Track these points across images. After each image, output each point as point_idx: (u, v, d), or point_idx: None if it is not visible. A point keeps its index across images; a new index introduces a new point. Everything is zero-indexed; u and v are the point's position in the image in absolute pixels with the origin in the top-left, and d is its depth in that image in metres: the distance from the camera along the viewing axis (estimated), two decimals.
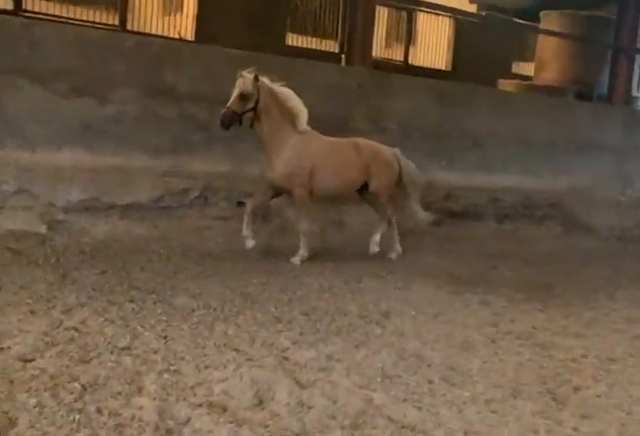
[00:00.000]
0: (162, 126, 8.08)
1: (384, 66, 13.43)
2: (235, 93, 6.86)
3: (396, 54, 16.02)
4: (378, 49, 14.51)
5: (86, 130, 7.58)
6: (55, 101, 7.50)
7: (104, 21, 12.06)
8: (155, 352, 4.37)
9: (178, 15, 12.98)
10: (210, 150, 8.29)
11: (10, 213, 6.85)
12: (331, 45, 14.43)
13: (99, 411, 3.52)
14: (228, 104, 6.83)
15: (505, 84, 14.50)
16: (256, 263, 7.03)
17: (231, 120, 6.84)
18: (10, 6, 10.93)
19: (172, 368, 4.15)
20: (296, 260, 7.23)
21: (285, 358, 4.52)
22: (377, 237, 7.82)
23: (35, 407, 3.46)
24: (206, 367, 4.22)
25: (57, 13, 11.45)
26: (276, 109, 7.12)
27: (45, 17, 10.98)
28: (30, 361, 3.99)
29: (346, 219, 8.94)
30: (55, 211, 7.19)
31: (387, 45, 15.88)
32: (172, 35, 12.55)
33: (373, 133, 8.83)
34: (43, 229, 6.96)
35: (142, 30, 12.30)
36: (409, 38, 15.93)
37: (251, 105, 6.96)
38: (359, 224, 8.73)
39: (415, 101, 9.96)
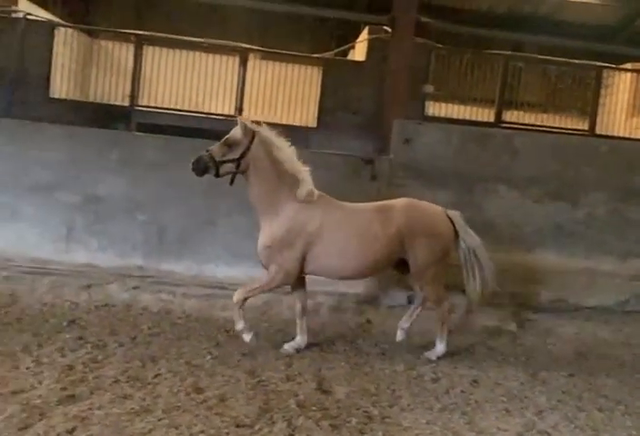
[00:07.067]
0: (629, 229, 7.87)
1: None
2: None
3: None
4: None
5: (558, 233, 7.71)
6: (529, 205, 7.79)
7: (573, 127, 12.33)
8: None
9: None
10: None
11: (486, 311, 7.23)
12: None
13: None
14: (209, 147, 5.68)
15: None
16: None
17: (205, 166, 5.58)
18: (491, 119, 11.86)
19: None
20: (245, 337, 5.78)
21: None
22: (406, 324, 6.30)
23: None
24: None
25: (531, 122, 12.04)
26: (271, 168, 5.68)
27: (519, 126, 11.63)
28: None
29: None
30: (525, 310, 7.37)
31: None
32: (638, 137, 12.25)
33: None
34: (513, 327, 7.16)
35: (609, 133, 12.24)
36: None
37: (234, 156, 5.62)
38: None
39: None
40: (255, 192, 5.74)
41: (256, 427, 4.18)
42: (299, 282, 6.00)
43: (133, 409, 4.29)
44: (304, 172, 5.80)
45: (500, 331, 7.06)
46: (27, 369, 4.87)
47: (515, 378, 5.75)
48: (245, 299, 5.76)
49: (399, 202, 5.99)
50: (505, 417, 4.83)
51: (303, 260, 5.74)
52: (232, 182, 5.73)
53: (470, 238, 6.05)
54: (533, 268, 7.56)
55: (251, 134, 5.66)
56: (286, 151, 5.76)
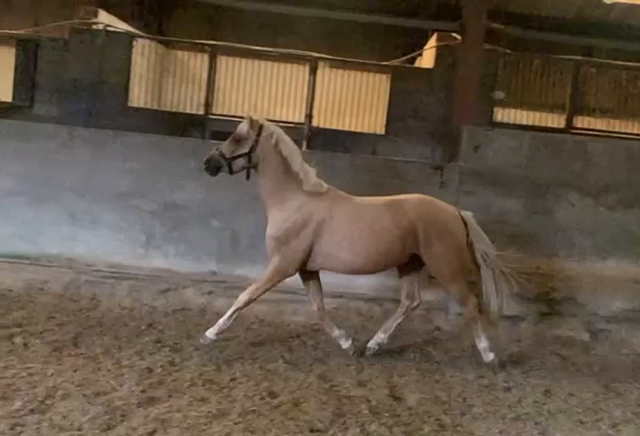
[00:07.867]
0: None
1: None
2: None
3: None
4: None
5: (632, 241, 7.49)
6: (602, 212, 7.60)
7: None
8: None
9: None
10: None
11: (557, 320, 7.09)
12: None
13: None
14: (219, 146, 5.68)
15: None
16: None
17: (217, 164, 5.59)
18: (561, 125, 11.66)
19: None
20: (211, 334, 5.64)
21: None
22: (384, 334, 5.99)
23: None
24: None
25: (602, 127, 11.78)
26: (279, 159, 5.65)
27: (591, 133, 11.38)
28: None
29: None
30: (598, 320, 7.20)
31: None
32: None
33: None
34: (586, 337, 7.02)
35: None
36: None
37: (244, 150, 5.59)
38: None
39: None
40: (263, 183, 5.72)
41: (330, 432, 4.20)
42: (313, 280, 5.94)
43: (210, 412, 4.36)
44: (307, 167, 5.76)
45: (572, 341, 6.92)
46: (108, 371, 4.99)
47: (589, 389, 5.61)
48: (251, 300, 5.72)
49: (411, 196, 5.93)
50: (579, 428, 4.72)
51: (309, 252, 5.66)
52: (248, 176, 5.75)
53: (481, 241, 5.91)
54: (606, 277, 7.36)
55: (258, 128, 5.63)
56: (290, 146, 5.73)
